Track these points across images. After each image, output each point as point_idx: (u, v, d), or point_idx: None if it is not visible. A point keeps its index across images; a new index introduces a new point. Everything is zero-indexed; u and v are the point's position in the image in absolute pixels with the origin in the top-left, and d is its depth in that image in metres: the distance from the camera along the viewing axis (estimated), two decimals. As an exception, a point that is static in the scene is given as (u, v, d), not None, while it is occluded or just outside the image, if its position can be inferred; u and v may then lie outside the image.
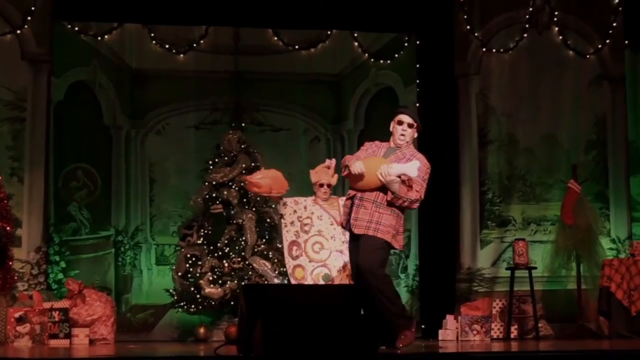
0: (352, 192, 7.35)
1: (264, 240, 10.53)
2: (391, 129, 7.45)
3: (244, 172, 10.55)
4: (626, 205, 11.43)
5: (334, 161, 8.59)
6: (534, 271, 10.45)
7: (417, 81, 11.47)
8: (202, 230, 10.60)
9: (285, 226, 9.10)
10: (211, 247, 10.47)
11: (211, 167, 10.70)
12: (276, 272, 10.22)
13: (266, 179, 8.85)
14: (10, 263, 9.30)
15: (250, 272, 10.31)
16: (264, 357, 5.95)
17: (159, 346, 10.27)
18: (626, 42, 11.64)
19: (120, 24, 11.04)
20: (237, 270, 10.34)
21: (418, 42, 11.48)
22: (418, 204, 7.32)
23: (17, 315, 9.37)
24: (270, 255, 10.36)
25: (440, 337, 10.44)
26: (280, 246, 10.42)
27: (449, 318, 10.50)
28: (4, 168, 10.39)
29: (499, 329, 10.49)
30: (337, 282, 8.41)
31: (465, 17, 11.34)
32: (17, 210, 10.28)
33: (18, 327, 9.35)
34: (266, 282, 10.13)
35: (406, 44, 11.51)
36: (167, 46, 11.13)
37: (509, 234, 11.22)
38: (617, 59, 11.58)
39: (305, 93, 11.48)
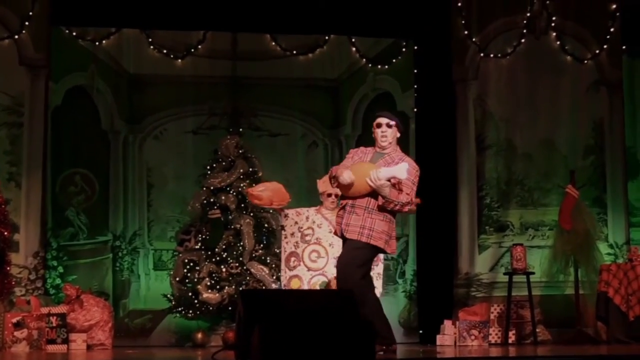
0: (343, 202, 7.35)
1: (261, 245, 10.52)
2: (373, 134, 7.46)
3: (241, 177, 10.55)
4: (624, 211, 11.43)
5: None
6: (531, 276, 10.45)
7: (415, 86, 11.48)
8: (199, 236, 10.59)
9: (286, 237, 9.16)
10: (209, 252, 10.46)
11: (209, 172, 10.70)
12: (274, 278, 10.21)
13: (267, 192, 9.03)
14: (8, 268, 9.29)
15: (248, 278, 10.31)
16: (262, 363, 5.95)
17: (156, 351, 10.26)
18: (624, 47, 11.65)
19: (118, 29, 11.04)
20: (235, 275, 10.34)
21: (416, 47, 11.49)
22: (409, 207, 7.30)
23: (14, 320, 9.35)
24: (268, 261, 10.36)
25: (438, 343, 10.44)
26: (278, 251, 10.43)
27: (447, 323, 10.50)
28: (1, 173, 10.40)
29: (496, 334, 10.48)
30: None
31: (463, 22, 11.35)
32: (14, 215, 10.26)
33: (15, 333, 9.34)
34: (264, 288, 10.12)
35: (404, 49, 11.52)
36: (164, 51, 11.14)
37: (507, 239, 11.22)
38: (615, 65, 11.59)
39: (303, 98, 11.48)
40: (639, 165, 11.73)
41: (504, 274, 10.70)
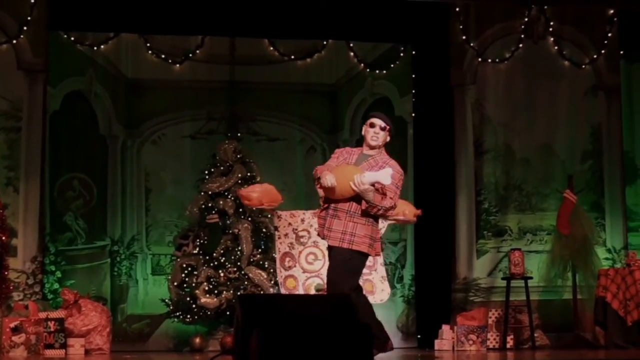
0: (326, 204, 7.29)
1: (259, 250, 10.52)
2: (363, 132, 7.41)
3: (239, 181, 10.55)
4: (622, 215, 11.45)
5: None
6: (530, 281, 10.46)
7: (413, 91, 11.48)
8: (198, 240, 10.58)
9: (279, 238, 9.17)
10: (207, 257, 10.45)
11: (207, 176, 10.69)
12: (272, 282, 10.21)
13: (255, 193, 9.08)
14: (6, 273, 9.28)
15: (246, 282, 10.30)
16: (260, 367, 5.95)
17: (154, 356, 10.27)
18: (621, 52, 11.67)
19: (117, 33, 11.04)
20: (233, 280, 10.33)
21: (414, 52, 11.49)
22: (393, 212, 7.28)
23: (12, 325, 9.35)
24: (266, 265, 10.35)
25: (436, 347, 10.45)
26: (275, 256, 10.43)
27: (445, 328, 10.51)
28: (-1, 178, 10.42)
29: (495, 339, 10.49)
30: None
31: (461, 27, 11.37)
32: (12, 220, 10.27)
33: (13, 337, 9.34)
34: (262, 292, 10.12)
35: (402, 54, 11.52)
36: (163, 56, 11.13)
37: (505, 243, 11.23)
38: (613, 69, 11.61)
39: (301, 103, 11.48)
40: (636, 170, 11.74)
41: (502, 278, 10.70)
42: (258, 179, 10.62)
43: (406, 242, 11.29)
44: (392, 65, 11.51)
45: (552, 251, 10.98)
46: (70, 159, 10.96)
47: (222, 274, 10.33)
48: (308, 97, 11.50)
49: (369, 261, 9.34)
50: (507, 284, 10.48)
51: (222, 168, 10.68)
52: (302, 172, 11.20)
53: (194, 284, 10.33)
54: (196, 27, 11.08)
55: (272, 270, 10.26)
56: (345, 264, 7.13)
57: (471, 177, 11.32)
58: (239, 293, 9.99)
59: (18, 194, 10.51)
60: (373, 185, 7.05)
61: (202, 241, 10.55)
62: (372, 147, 7.33)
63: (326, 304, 6.59)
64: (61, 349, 9.55)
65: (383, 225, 9.27)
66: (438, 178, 11.17)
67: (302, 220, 9.14)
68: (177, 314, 10.38)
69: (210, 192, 10.58)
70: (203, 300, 10.20)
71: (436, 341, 10.50)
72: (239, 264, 10.36)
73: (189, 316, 10.31)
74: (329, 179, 7.08)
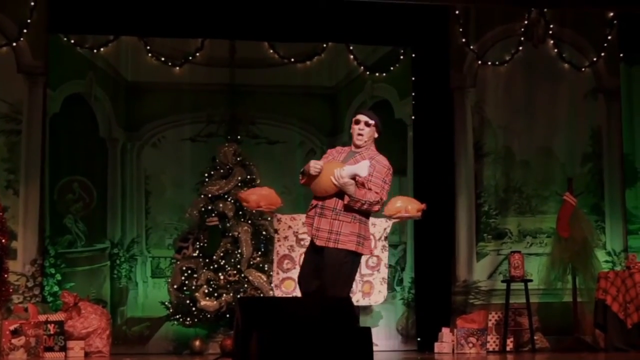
0: (314, 202, 7.18)
1: (259, 253, 10.51)
2: (351, 130, 7.33)
3: (239, 184, 10.55)
4: (622, 218, 11.45)
5: None
6: (529, 284, 10.46)
7: (413, 94, 11.48)
8: (197, 243, 10.58)
9: (279, 240, 9.19)
10: (207, 260, 10.45)
11: (207, 179, 10.69)
12: (272, 285, 10.21)
13: (254, 195, 9.14)
14: (6, 275, 9.26)
15: (245, 285, 10.30)
16: (260, 370, 5.95)
17: (154, 359, 10.27)
18: (621, 55, 11.68)
19: (116, 36, 11.04)
20: (233, 282, 10.33)
21: (414, 55, 11.50)
22: (379, 206, 7.11)
23: (12, 327, 9.35)
24: (266, 268, 10.35)
25: (436, 350, 10.45)
26: (275, 259, 10.43)
27: (445, 331, 10.51)
28: (-1, 180, 10.42)
29: (494, 342, 10.49)
30: None
31: (461, 30, 11.38)
32: (12, 223, 10.27)
33: (13, 340, 9.33)
34: (262, 295, 10.12)
35: (402, 57, 11.53)
36: (163, 59, 11.14)
37: (505, 246, 11.24)
38: (612, 72, 11.62)
39: (301, 106, 11.48)
40: (636, 172, 11.74)
41: (502, 281, 10.71)
42: (258, 182, 10.63)
43: (406, 244, 11.29)
44: (392, 68, 11.51)
45: (552, 254, 10.98)
46: (70, 162, 10.96)
47: (222, 277, 10.33)
48: (308, 100, 11.50)
49: (373, 262, 9.35)
50: (507, 287, 10.48)
51: (222, 171, 10.67)
52: (302, 175, 11.19)
53: (193, 287, 10.32)
54: (196, 30, 11.08)
55: (271, 273, 10.26)
56: (340, 267, 7.01)
57: (471, 180, 11.32)
58: (238, 296, 9.98)
59: (18, 197, 10.52)
60: (354, 178, 6.94)
61: (202, 244, 10.55)
62: (358, 145, 7.24)
63: (326, 307, 6.58)
64: (61, 351, 9.55)
65: (388, 224, 9.28)
66: (438, 180, 11.17)
67: (304, 224, 9.13)
68: (177, 316, 10.38)
69: (210, 195, 10.58)
70: (203, 303, 10.20)
71: (436, 344, 10.50)
72: (238, 266, 10.36)
73: (188, 319, 10.30)
74: (313, 164, 7.02)
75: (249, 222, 10.50)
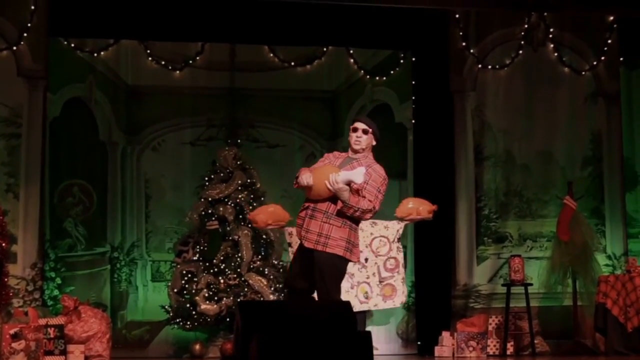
0: (306, 204, 7.13)
1: (259, 256, 10.51)
2: (348, 137, 7.29)
3: (239, 188, 10.55)
4: (622, 222, 11.44)
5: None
6: (530, 287, 10.46)
7: (413, 97, 11.49)
8: (197, 247, 10.58)
9: (292, 254, 9.16)
10: (207, 264, 10.45)
11: (207, 183, 10.69)
12: (272, 289, 10.20)
13: (261, 215, 9.23)
14: (6, 279, 9.25)
15: (245, 289, 10.29)
16: (260, 374, 5.94)
17: (154, 363, 10.28)
18: (621, 59, 11.68)
19: (117, 40, 11.04)
20: (233, 286, 10.32)
21: (414, 59, 11.50)
22: (371, 215, 7.05)
23: (12, 331, 9.33)
24: (266, 272, 10.35)
25: (436, 354, 10.44)
26: (276, 263, 10.43)
27: (445, 334, 10.50)
28: (-1, 184, 10.42)
29: (495, 346, 10.48)
30: None
31: (461, 33, 11.38)
32: (12, 227, 10.26)
33: (13, 344, 9.32)
34: (262, 299, 10.11)
35: (402, 61, 11.53)
36: (163, 63, 11.14)
37: (505, 250, 11.23)
38: (612, 76, 11.62)
39: (301, 109, 11.49)
40: (636, 176, 11.74)
41: (502, 285, 10.70)
42: (258, 186, 10.64)
43: (406, 248, 11.27)
44: (392, 72, 11.52)
45: (552, 258, 10.97)
46: (70, 166, 10.96)
47: (222, 281, 10.32)
48: (308, 104, 11.51)
49: (391, 264, 9.33)
50: (507, 291, 10.47)
51: (222, 174, 10.68)
52: (302, 179, 11.18)
53: (193, 291, 10.32)
54: (196, 34, 11.08)
55: (272, 277, 10.26)
56: (329, 271, 6.94)
57: (471, 184, 11.32)
58: (239, 299, 9.98)
59: (18, 201, 10.51)
60: (348, 184, 6.91)
61: (202, 248, 10.54)
62: (355, 151, 7.21)
63: (326, 311, 6.58)
64: (61, 355, 9.53)
65: (400, 225, 9.28)
66: (438, 184, 11.16)
67: None
68: (177, 320, 10.38)
69: (210, 199, 10.58)
70: (203, 306, 10.19)
71: (436, 348, 10.49)
72: (238, 270, 10.36)
73: (188, 323, 10.30)
74: (305, 177, 6.98)
75: (249, 226, 10.49)
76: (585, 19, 11.58)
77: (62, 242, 10.81)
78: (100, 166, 11.04)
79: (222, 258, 10.44)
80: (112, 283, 10.90)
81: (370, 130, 7.22)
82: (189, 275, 10.45)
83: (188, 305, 10.33)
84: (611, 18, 11.56)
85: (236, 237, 10.44)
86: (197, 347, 10.41)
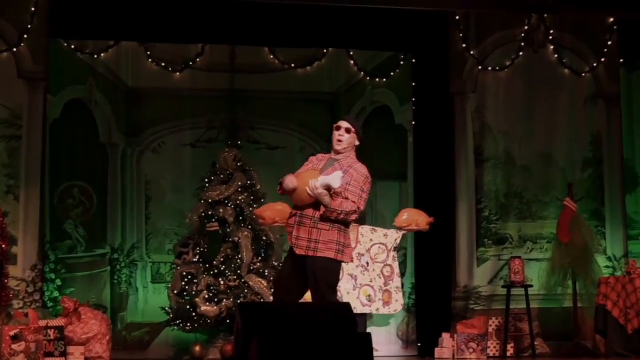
0: (294, 211, 7.13)
1: (260, 258, 10.51)
2: (332, 137, 7.26)
3: (240, 189, 10.55)
4: (622, 223, 11.44)
5: None
6: (530, 289, 10.45)
7: (413, 99, 11.48)
8: (198, 248, 10.58)
9: (282, 265, 9.16)
10: (207, 265, 10.45)
11: (207, 185, 10.69)
12: (272, 290, 10.19)
13: (268, 212, 9.27)
14: (6, 281, 9.26)
15: (246, 290, 10.29)
16: (260, 375, 5.94)
17: (154, 364, 10.28)
18: (621, 60, 11.68)
19: (117, 42, 11.04)
20: (233, 288, 10.32)
21: (414, 61, 11.50)
22: (356, 216, 7.02)
23: (12, 333, 9.33)
24: (267, 274, 10.34)
25: (436, 356, 10.44)
26: (276, 264, 10.42)
27: (445, 336, 10.50)
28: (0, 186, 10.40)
29: (495, 347, 10.48)
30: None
31: (461, 35, 11.38)
32: (12, 228, 10.26)
33: (13, 346, 9.32)
34: (262, 300, 10.11)
35: (402, 63, 11.53)
36: (163, 64, 11.14)
37: (505, 251, 11.23)
38: (613, 78, 11.63)
39: (301, 111, 11.48)
40: (637, 178, 11.74)
41: (503, 286, 10.69)
42: (258, 187, 10.64)
43: (406, 250, 11.28)
44: (392, 74, 11.52)
45: (552, 259, 10.97)
46: (70, 167, 10.96)
47: (222, 282, 10.32)
48: (308, 106, 11.50)
49: (387, 272, 9.35)
50: (507, 292, 10.47)
51: (222, 176, 10.68)
52: (302, 181, 11.18)
53: (194, 292, 10.32)
54: (196, 36, 11.08)
55: (272, 279, 10.25)
56: (322, 275, 6.93)
57: (472, 185, 11.32)
58: (239, 301, 9.98)
59: (18, 202, 10.51)
60: (328, 189, 6.90)
61: (202, 249, 10.54)
62: (338, 151, 7.19)
63: (326, 312, 6.58)
64: (61, 357, 9.53)
65: (399, 235, 9.29)
66: (439, 186, 11.17)
67: None
68: (177, 322, 10.37)
69: (210, 201, 10.57)
70: (203, 308, 10.19)
71: (436, 349, 10.49)
72: (239, 272, 10.36)
73: (189, 324, 10.29)
74: (289, 180, 7.00)
75: (250, 227, 10.49)
76: (585, 21, 11.58)
77: (62, 243, 10.81)
78: (101, 168, 11.04)
79: (222, 260, 10.44)
80: (112, 285, 10.90)
81: (354, 129, 7.19)
82: (189, 277, 10.44)
83: (188, 306, 10.32)
84: (611, 20, 11.57)
85: (236, 238, 10.44)
86: (198, 348, 10.40)
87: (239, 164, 10.71)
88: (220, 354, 10.19)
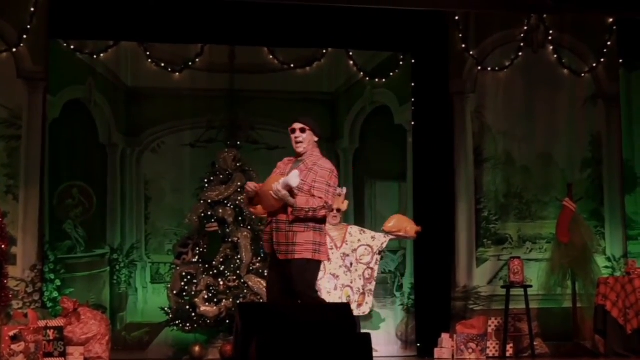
0: (269, 219, 7.22)
1: (259, 258, 10.50)
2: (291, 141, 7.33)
3: (239, 190, 10.55)
4: (621, 224, 11.45)
5: (345, 189, 8.88)
6: (529, 289, 10.44)
7: (413, 99, 11.49)
8: (197, 249, 10.57)
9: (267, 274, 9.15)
10: (206, 266, 10.44)
11: (206, 185, 10.69)
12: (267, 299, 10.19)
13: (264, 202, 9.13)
14: (5, 281, 9.27)
15: (245, 291, 10.29)
16: (260, 376, 5.94)
17: (154, 365, 10.28)
18: (620, 60, 11.68)
19: (116, 42, 11.04)
20: (233, 288, 10.32)
21: (413, 61, 11.50)
22: (325, 211, 7.13)
23: (11, 333, 9.33)
24: (266, 274, 10.34)
25: (436, 356, 10.44)
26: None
27: (445, 336, 10.50)
28: (-1, 186, 10.42)
29: (494, 348, 10.48)
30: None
31: (461, 35, 11.38)
32: (12, 228, 10.26)
33: (13, 346, 9.32)
34: (261, 301, 10.11)
35: (401, 63, 11.53)
36: (162, 64, 11.14)
37: (505, 252, 11.23)
38: (612, 78, 11.63)
39: (300, 111, 11.45)
40: (636, 178, 11.75)
41: (502, 287, 10.69)
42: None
43: (406, 250, 11.28)
44: (391, 74, 11.52)
45: (551, 259, 10.98)
46: (69, 168, 10.96)
47: (221, 283, 10.32)
48: (307, 106, 11.49)
49: (368, 274, 9.34)
50: (506, 293, 10.47)
51: (221, 176, 10.67)
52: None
53: (193, 293, 10.32)
54: (196, 36, 11.08)
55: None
56: (302, 276, 7.03)
57: (471, 186, 11.32)
58: (238, 301, 9.98)
59: (18, 202, 10.51)
60: (290, 190, 6.98)
61: (201, 249, 10.54)
62: (299, 152, 7.28)
63: (326, 313, 6.58)
64: (60, 357, 9.53)
65: (386, 239, 9.29)
66: (438, 186, 11.17)
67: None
68: (177, 322, 10.37)
69: (209, 201, 10.57)
70: (202, 308, 10.19)
71: (436, 350, 10.49)
72: (238, 272, 10.36)
73: (188, 324, 10.29)
74: (249, 185, 7.19)
75: (249, 227, 10.50)
76: (584, 21, 11.58)
77: (61, 244, 10.81)
78: (100, 168, 11.04)
79: (221, 260, 10.44)
80: (111, 285, 10.90)
81: (308, 127, 7.32)
82: (189, 277, 10.44)
83: (188, 307, 10.32)
84: (611, 20, 11.57)
85: (236, 238, 10.44)
86: (197, 348, 10.40)
87: (238, 164, 10.70)
88: (220, 354, 10.19)
